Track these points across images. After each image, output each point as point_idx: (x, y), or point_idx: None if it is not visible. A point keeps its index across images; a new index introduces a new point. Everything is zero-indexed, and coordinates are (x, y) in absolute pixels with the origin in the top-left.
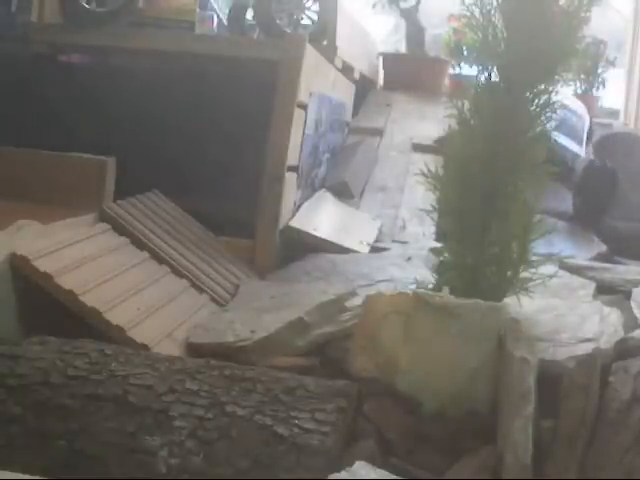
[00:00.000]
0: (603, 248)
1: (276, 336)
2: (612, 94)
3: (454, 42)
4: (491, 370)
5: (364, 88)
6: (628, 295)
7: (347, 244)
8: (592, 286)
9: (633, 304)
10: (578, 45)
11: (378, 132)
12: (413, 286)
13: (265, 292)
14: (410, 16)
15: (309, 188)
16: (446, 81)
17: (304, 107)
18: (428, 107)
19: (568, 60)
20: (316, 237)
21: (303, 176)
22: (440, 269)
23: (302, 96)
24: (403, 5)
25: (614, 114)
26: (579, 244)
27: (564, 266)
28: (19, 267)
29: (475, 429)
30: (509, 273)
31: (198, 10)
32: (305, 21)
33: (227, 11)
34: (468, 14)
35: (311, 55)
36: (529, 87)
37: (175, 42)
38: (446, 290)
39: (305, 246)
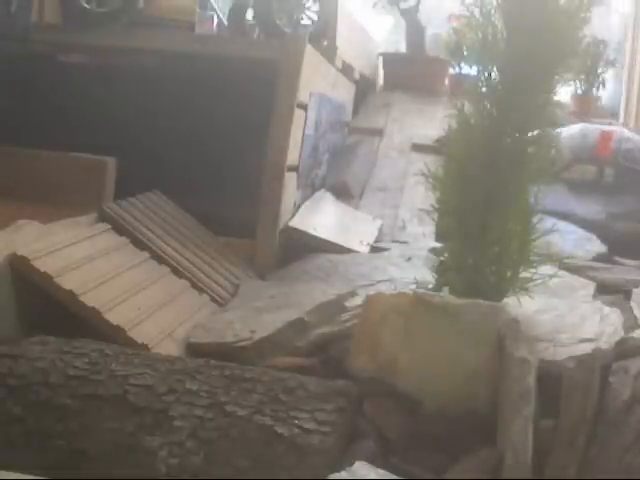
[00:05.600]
0: (603, 248)
1: (276, 336)
2: (612, 94)
3: (454, 42)
4: (491, 370)
5: (364, 88)
6: (628, 295)
7: (347, 244)
8: (592, 286)
9: (633, 304)
10: (578, 45)
11: (378, 132)
12: (413, 286)
13: (265, 292)
14: (410, 16)
15: (309, 188)
16: (446, 81)
17: (304, 107)
18: (428, 107)
19: (568, 60)
20: (316, 237)
21: (303, 176)
22: (440, 269)
23: (302, 96)
24: (403, 5)
25: (614, 114)
26: None
27: (564, 266)
28: (19, 267)
29: (475, 429)
30: (509, 273)
31: (198, 10)
32: (305, 21)
33: (227, 11)
34: (468, 14)
35: (311, 55)
36: (529, 87)
37: (175, 42)
38: (446, 290)
39: (305, 246)
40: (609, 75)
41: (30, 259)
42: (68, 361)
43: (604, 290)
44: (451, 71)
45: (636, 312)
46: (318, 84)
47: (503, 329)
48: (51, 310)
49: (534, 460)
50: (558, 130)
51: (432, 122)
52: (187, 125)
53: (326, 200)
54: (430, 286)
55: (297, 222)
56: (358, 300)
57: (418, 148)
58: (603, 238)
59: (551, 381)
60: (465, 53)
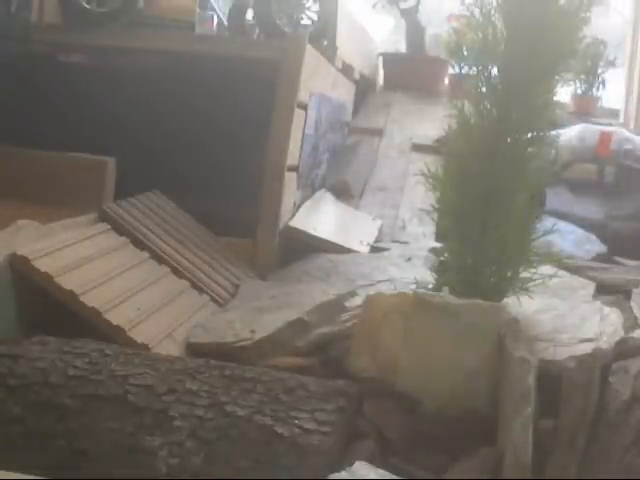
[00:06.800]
0: (603, 248)
1: (276, 336)
2: (612, 94)
3: (454, 42)
4: (491, 370)
5: (364, 88)
6: (628, 295)
7: (347, 244)
8: (592, 286)
9: (633, 304)
10: (578, 45)
11: (378, 132)
12: (413, 286)
13: (265, 292)
14: (410, 16)
15: (309, 188)
16: (446, 81)
17: (304, 107)
18: (428, 107)
19: (568, 60)
20: (316, 237)
21: (303, 176)
22: (440, 269)
23: (302, 96)
24: (403, 5)
25: (614, 114)
26: None
27: (564, 266)
28: (19, 267)
29: (475, 429)
30: (509, 273)
31: (198, 10)
32: (305, 21)
33: (227, 11)
34: (468, 14)
35: (311, 55)
36: (529, 87)
37: (175, 42)
38: (446, 290)
39: (305, 246)
40: (609, 75)
41: (30, 259)
42: (68, 361)
43: (604, 290)
44: (451, 71)
45: (636, 312)
46: (318, 84)
47: (503, 329)
48: (51, 310)
49: (534, 460)
50: (558, 131)
51: (432, 122)
52: (187, 125)
53: (326, 200)
54: (430, 286)
55: (297, 222)
56: (358, 300)
57: (418, 148)
58: (603, 238)
59: (551, 381)
60: (465, 53)
